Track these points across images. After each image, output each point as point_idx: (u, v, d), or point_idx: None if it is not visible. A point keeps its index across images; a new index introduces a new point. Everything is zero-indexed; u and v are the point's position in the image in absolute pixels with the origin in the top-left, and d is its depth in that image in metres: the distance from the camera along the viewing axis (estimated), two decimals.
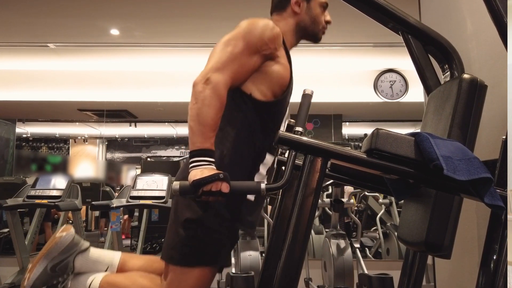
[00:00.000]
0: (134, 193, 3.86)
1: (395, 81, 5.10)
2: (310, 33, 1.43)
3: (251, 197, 1.31)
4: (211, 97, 1.16)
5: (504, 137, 1.27)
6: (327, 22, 1.47)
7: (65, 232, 1.40)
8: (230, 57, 1.22)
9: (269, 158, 1.34)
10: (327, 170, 1.24)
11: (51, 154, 7.78)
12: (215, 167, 1.15)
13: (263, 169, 1.33)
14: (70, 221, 5.16)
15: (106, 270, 1.42)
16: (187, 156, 1.20)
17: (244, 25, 1.28)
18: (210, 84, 1.17)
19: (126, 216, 5.87)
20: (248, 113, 1.28)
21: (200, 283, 1.26)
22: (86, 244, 1.43)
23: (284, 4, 1.42)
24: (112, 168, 7.45)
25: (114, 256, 1.46)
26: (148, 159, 7.63)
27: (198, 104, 1.16)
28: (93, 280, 1.37)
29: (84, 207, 5.36)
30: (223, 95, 1.19)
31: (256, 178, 1.31)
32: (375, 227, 5.15)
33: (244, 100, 1.28)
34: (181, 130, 7.12)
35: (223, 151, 1.27)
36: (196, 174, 1.12)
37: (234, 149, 1.28)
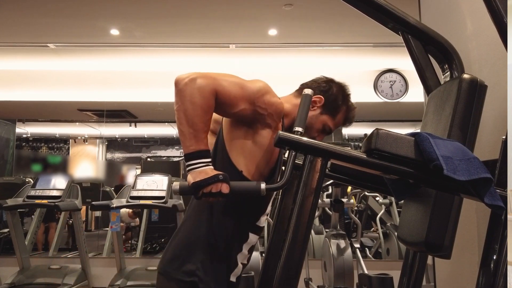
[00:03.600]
0: (134, 193, 3.86)
1: (395, 81, 5.10)
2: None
3: (233, 278, 1.29)
4: (196, 94, 1.11)
5: (504, 137, 1.27)
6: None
7: None
8: (226, 78, 1.19)
9: (252, 238, 1.32)
10: (327, 170, 1.24)
11: (51, 154, 7.78)
12: (213, 167, 1.15)
13: (245, 249, 1.31)
14: (71, 221, 5.17)
15: None
16: None
17: (257, 82, 1.25)
18: (195, 83, 1.12)
19: (129, 233, 5.88)
20: None
21: None
22: None
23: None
24: (112, 168, 7.45)
25: None
26: (148, 159, 7.64)
27: (184, 103, 1.11)
28: None
29: (84, 207, 5.36)
30: (209, 97, 1.13)
31: (239, 258, 1.29)
32: (373, 228, 5.16)
33: (235, 176, 1.22)
34: None
35: (211, 229, 1.26)
36: (196, 175, 1.11)
37: (221, 227, 1.26)
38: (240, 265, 1.31)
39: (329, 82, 1.42)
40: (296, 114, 1.25)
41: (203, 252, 1.24)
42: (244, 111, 1.21)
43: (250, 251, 1.34)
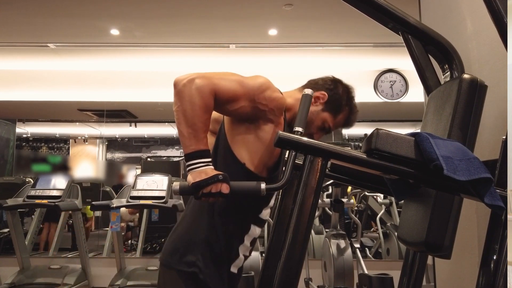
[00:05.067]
0: (134, 193, 3.86)
1: (395, 81, 5.10)
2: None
3: (234, 269, 1.30)
4: (195, 95, 1.11)
5: (504, 137, 1.27)
6: (311, 137, 1.37)
7: None
8: (225, 77, 1.19)
9: (255, 230, 1.33)
10: (327, 170, 1.24)
11: (51, 154, 7.78)
12: (213, 167, 1.15)
13: (247, 241, 1.31)
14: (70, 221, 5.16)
15: None
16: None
17: (257, 78, 1.25)
18: (193, 84, 1.12)
19: (128, 233, 5.89)
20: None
21: None
22: None
23: (311, 88, 1.38)
24: (112, 168, 7.45)
25: None
26: (148, 159, 7.64)
27: (183, 104, 1.12)
28: None
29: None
30: (208, 97, 1.13)
31: (240, 250, 1.30)
32: (373, 228, 5.16)
33: (237, 168, 1.24)
34: None
35: (212, 221, 1.26)
36: (196, 176, 1.11)
37: (221, 218, 1.27)
38: (241, 257, 1.31)
39: (336, 82, 1.43)
40: (297, 109, 1.25)
41: (204, 243, 1.25)
42: (245, 108, 1.22)
43: (252, 243, 1.35)
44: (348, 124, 1.44)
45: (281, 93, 1.31)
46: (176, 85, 1.14)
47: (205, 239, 1.26)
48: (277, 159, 1.29)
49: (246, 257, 1.35)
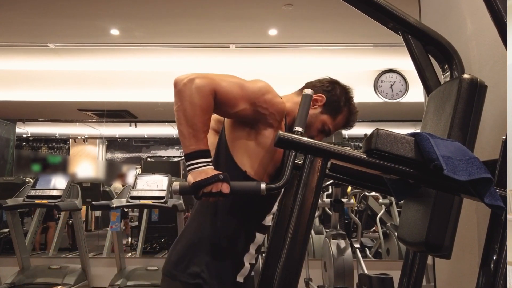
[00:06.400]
0: (134, 193, 3.86)
1: (395, 81, 5.10)
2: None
3: (240, 279, 1.29)
4: (195, 95, 1.11)
5: (504, 137, 1.27)
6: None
7: None
8: (225, 79, 1.19)
9: (259, 238, 1.32)
10: (327, 170, 1.24)
11: (51, 154, 7.78)
12: (213, 167, 1.15)
13: (252, 249, 1.31)
14: (70, 221, 5.16)
15: None
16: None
17: (257, 82, 1.25)
18: (194, 84, 1.12)
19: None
20: None
21: None
22: None
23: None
24: (112, 168, 7.45)
25: None
26: (148, 159, 7.64)
27: (183, 104, 1.12)
28: None
29: (84, 207, 5.36)
30: (208, 97, 1.13)
31: (246, 259, 1.29)
32: (373, 228, 5.16)
33: (238, 176, 1.22)
34: None
35: (216, 230, 1.26)
36: (196, 175, 1.11)
37: (225, 228, 1.26)
38: (247, 266, 1.30)
39: (334, 83, 1.42)
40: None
41: (208, 253, 1.24)
42: (245, 111, 1.21)
43: (258, 250, 1.34)
44: (347, 125, 1.43)
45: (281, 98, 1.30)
46: (176, 84, 1.14)
47: (209, 249, 1.25)
48: (279, 165, 1.28)
49: (252, 265, 1.34)
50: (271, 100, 1.23)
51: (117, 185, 6.58)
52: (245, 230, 1.29)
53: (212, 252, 1.25)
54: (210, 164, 1.15)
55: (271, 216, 1.37)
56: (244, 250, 1.29)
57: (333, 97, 1.38)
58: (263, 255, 1.37)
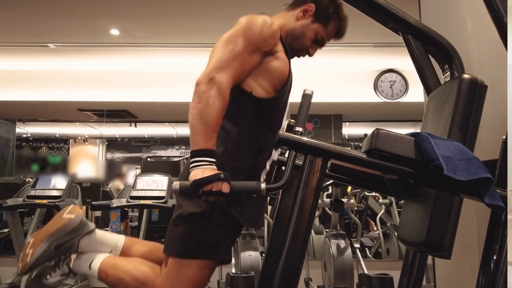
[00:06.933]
0: (134, 193, 3.86)
1: (395, 81, 5.10)
2: (290, 45, 1.41)
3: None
4: (215, 97, 1.16)
5: (504, 137, 1.27)
6: (307, 52, 1.47)
7: (73, 215, 1.40)
8: (231, 55, 1.23)
9: (273, 154, 1.37)
10: (327, 170, 1.24)
11: (51, 154, 7.78)
12: (216, 167, 1.15)
13: (267, 165, 1.35)
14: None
15: (110, 252, 1.43)
16: (188, 156, 1.20)
17: (243, 22, 1.29)
18: (214, 84, 1.17)
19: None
20: (250, 111, 1.29)
21: (198, 276, 1.25)
22: (92, 226, 1.44)
23: (297, 5, 1.44)
24: (112, 168, 7.45)
25: (119, 240, 1.47)
26: (148, 159, 7.63)
27: (202, 104, 1.16)
28: (95, 259, 1.39)
29: (84, 207, 5.36)
30: (227, 95, 1.19)
31: (263, 175, 1.32)
32: (372, 228, 5.16)
33: (245, 98, 1.28)
34: (181, 130, 7.12)
35: (227, 148, 1.27)
36: (197, 174, 1.12)
37: (237, 147, 1.28)
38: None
39: None
40: (289, 26, 1.38)
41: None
42: (257, 60, 1.27)
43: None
44: (340, 32, 1.47)
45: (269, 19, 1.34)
46: (197, 85, 1.19)
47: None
48: (286, 79, 1.32)
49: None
50: (268, 34, 1.27)
51: (117, 184, 6.57)
52: (260, 146, 1.32)
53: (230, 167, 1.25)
54: (213, 164, 1.16)
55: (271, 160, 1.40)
56: (259, 166, 1.31)
57: (322, 5, 1.42)
58: (263, 255, 1.37)
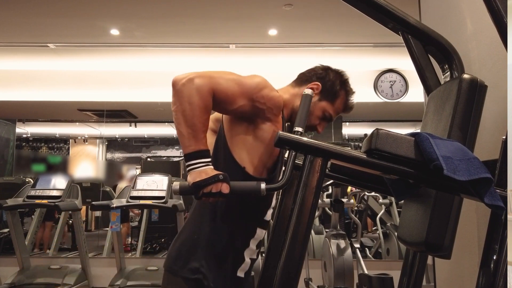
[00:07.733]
0: (134, 193, 3.86)
1: (395, 81, 5.10)
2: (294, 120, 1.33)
3: (240, 274, 1.29)
4: (193, 95, 1.11)
5: (504, 137, 1.27)
6: (315, 129, 1.40)
7: None
8: (223, 76, 1.19)
9: (260, 233, 1.33)
10: (327, 170, 1.24)
11: (51, 154, 7.78)
12: (213, 167, 1.15)
13: (253, 244, 1.31)
14: (71, 221, 5.16)
15: None
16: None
17: (254, 78, 1.25)
18: (192, 84, 1.12)
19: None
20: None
21: None
22: None
23: (302, 82, 1.40)
24: (112, 168, 7.45)
25: None
26: (148, 159, 7.63)
27: (182, 104, 1.11)
28: None
29: (84, 207, 5.36)
30: (207, 97, 1.13)
31: (246, 254, 1.30)
32: (375, 227, 5.16)
33: (237, 172, 1.23)
34: None
35: (215, 226, 1.26)
36: (196, 176, 1.12)
37: (225, 223, 1.27)
38: (248, 261, 1.31)
39: (326, 69, 1.44)
40: (294, 104, 1.30)
41: (207, 249, 1.25)
42: (243, 107, 1.22)
43: (258, 246, 1.35)
44: (347, 107, 1.43)
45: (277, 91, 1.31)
46: (174, 84, 1.14)
47: (208, 245, 1.25)
48: (276, 158, 1.29)
49: (253, 260, 1.34)
50: (268, 95, 1.24)
51: (122, 185, 6.57)
52: (245, 225, 1.30)
53: (211, 247, 1.25)
54: (210, 164, 1.15)
55: (271, 210, 1.37)
56: (244, 245, 1.29)
57: (328, 82, 1.39)
58: (263, 255, 1.37)
